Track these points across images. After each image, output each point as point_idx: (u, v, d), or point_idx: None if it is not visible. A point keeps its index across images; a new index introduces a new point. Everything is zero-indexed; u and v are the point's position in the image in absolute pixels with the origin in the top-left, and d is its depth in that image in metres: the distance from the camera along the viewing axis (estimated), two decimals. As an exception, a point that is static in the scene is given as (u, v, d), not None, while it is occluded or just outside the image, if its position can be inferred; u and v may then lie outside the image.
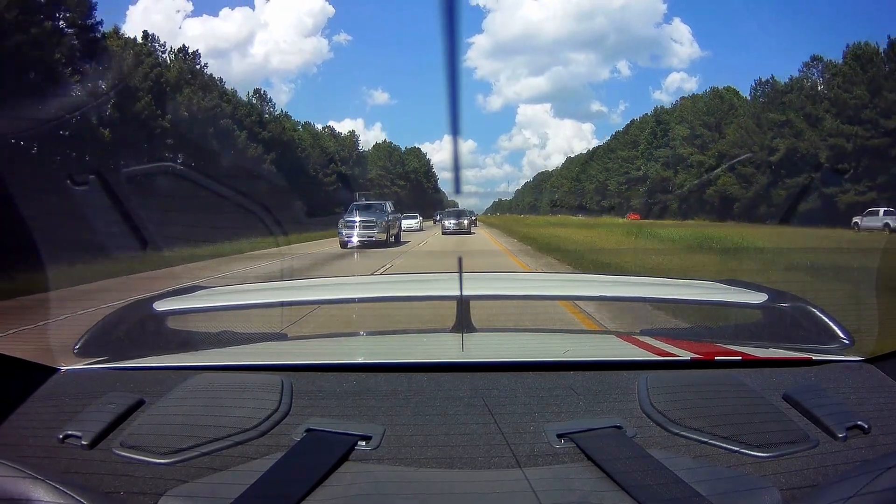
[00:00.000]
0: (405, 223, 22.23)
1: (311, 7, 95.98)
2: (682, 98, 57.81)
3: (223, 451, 0.81)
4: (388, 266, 11.24)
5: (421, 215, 35.76)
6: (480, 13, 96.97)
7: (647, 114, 61.68)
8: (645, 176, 56.81)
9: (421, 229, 30.29)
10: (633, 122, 63.79)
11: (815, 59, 42.01)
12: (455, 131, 0.77)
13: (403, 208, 32.38)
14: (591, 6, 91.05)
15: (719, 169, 43.88)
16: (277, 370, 1.06)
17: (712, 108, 49.26)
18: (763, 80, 46.81)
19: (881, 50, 36.75)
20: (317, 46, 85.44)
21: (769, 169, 41.13)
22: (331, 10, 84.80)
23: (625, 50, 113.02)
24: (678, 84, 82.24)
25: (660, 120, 57.86)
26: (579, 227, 28.12)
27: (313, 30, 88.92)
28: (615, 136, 66.94)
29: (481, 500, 0.74)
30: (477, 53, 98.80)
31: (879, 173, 34.18)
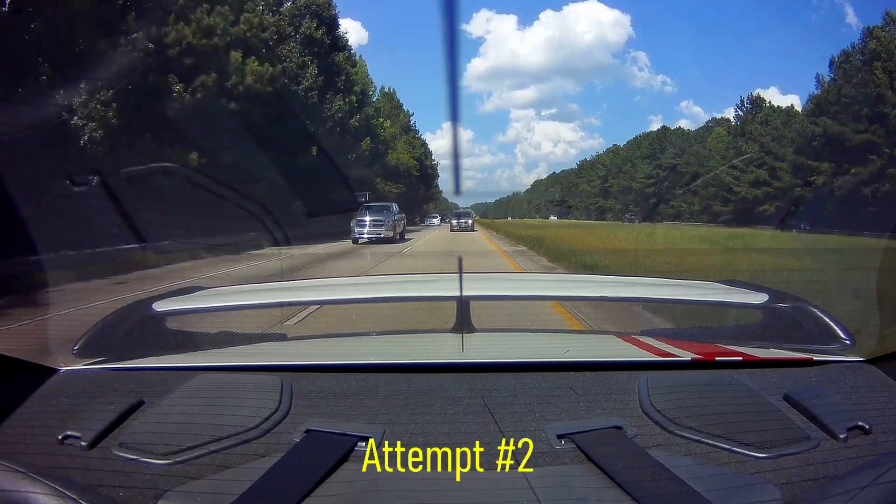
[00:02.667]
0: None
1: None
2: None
3: (223, 452, 0.81)
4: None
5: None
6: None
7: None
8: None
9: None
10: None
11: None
12: (455, 135, 0.77)
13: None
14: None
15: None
16: (277, 371, 1.06)
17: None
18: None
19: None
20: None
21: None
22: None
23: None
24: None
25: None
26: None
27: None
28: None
29: (481, 500, 0.74)
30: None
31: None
